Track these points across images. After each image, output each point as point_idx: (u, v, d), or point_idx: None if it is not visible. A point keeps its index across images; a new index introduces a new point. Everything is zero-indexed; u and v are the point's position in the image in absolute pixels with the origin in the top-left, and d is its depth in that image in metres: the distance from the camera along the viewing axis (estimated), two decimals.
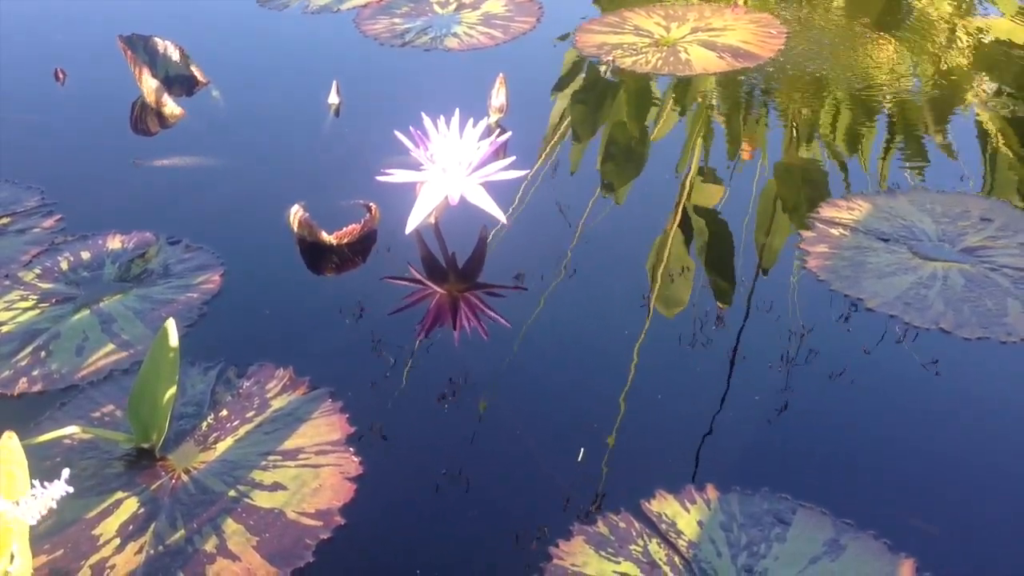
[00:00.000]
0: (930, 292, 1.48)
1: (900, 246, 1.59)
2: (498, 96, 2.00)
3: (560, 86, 2.25)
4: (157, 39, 2.25)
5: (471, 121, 1.60)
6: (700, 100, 2.19)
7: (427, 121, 1.59)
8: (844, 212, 1.69)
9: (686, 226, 1.72)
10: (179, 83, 2.25)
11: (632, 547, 1.09)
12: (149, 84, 2.10)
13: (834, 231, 1.64)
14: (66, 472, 0.94)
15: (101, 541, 1.12)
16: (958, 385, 1.35)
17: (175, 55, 2.26)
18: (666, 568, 1.07)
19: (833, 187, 1.82)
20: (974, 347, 1.38)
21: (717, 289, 1.56)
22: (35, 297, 1.52)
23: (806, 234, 1.64)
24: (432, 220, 1.68)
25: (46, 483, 0.94)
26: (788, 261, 1.60)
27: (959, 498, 1.18)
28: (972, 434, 1.27)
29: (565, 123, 2.09)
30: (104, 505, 1.16)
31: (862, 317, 1.45)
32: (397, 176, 1.60)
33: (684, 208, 1.77)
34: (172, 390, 1.20)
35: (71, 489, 0.94)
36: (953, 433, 1.27)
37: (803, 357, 1.39)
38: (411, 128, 1.58)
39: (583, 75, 2.29)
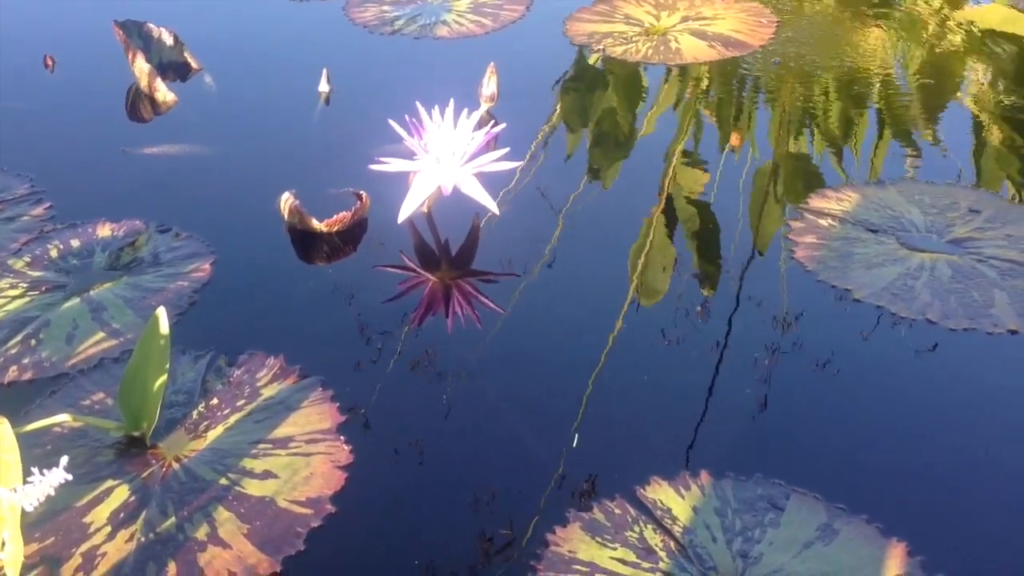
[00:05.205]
0: (917, 283, 1.49)
1: (888, 237, 1.60)
2: (489, 85, 2.00)
3: (550, 75, 2.24)
4: (151, 25, 2.24)
5: (465, 111, 1.60)
6: (690, 89, 2.19)
7: (421, 110, 1.59)
8: (833, 203, 1.69)
9: (673, 214, 1.73)
10: (172, 69, 2.24)
11: (628, 533, 1.10)
12: (142, 67, 2.09)
13: (823, 222, 1.64)
14: (64, 459, 0.93)
15: (92, 529, 1.11)
16: (945, 374, 1.36)
17: (169, 41, 2.25)
18: (662, 554, 1.07)
19: (822, 177, 1.83)
20: (960, 338, 1.39)
21: (704, 278, 1.57)
22: (25, 285, 1.51)
23: (794, 224, 1.64)
24: (425, 209, 1.67)
25: (37, 470, 0.94)
26: (776, 251, 1.61)
27: (949, 483, 1.19)
28: (959, 421, 1.28)
29: (556, 112, 2.09)
30: (95, 493, 1.16)
31: (849, 307, 1.45)
32: (391, 165, 1.60)
33: (671, 196, 1.78)
34: (162, 378, 1.20)
35: (70, 476, 0.93)
36: (941, 420, 1.29)
37: (792, 346, 1.39)
38: (406, 117, 1.58)
39: (573, 64, 2.29)
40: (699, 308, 1.48)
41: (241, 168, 1.89)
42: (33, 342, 1.40)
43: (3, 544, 0.97)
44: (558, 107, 2.11)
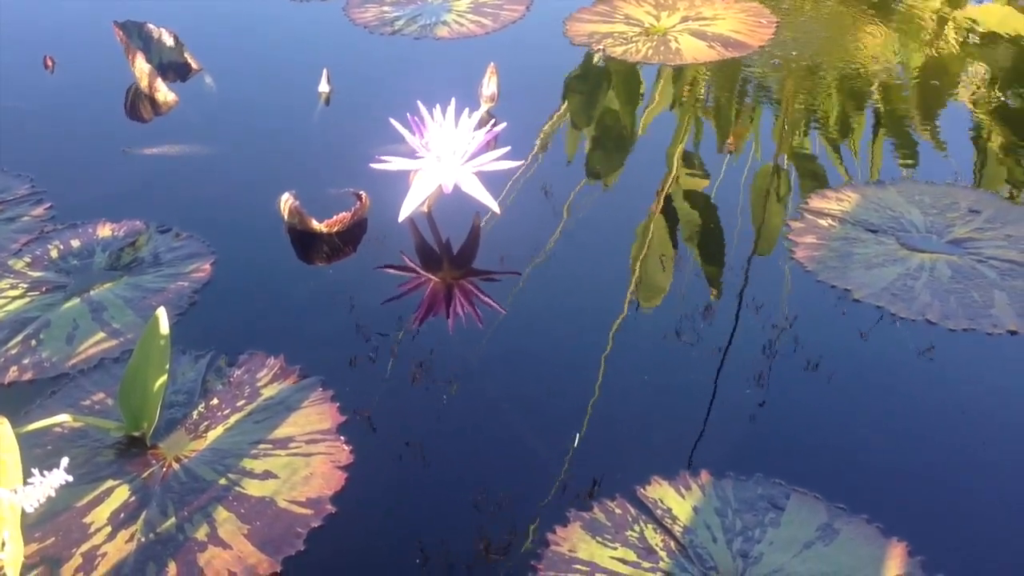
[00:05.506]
0: (917, 283, 1.49)
1: (888, 237, 1.60)
2: (489, 85, 2.00)
3: (550, 75, 2.24)
4: (151, 26, 2.24)
5: (467, 110, 1.60)
6: (690, 89, 2.19)
7: (422, 109, 1.59)
8: (833, 203, 1.69)
9: (674, 214, 1.73)
10: (172, 70, 2.24)
11: (628, 533, 1.10)
12: (142, 68, 2.09)
13: (823, 222, 1.64)
14: (65, 460, 0.93)
15: (92, 529, 1.11)
16: (944, 375, 1.36)
17: (169, 41, 2.25)
18: (662, 553, 1.07)
19: (822, 177, 1.83)
20: (960, 338, 1.39)
21: (705, 278, 1.57)
22: (25, 285, 1.51)
23: (794, 224, 1.64)
24: (425, 209, 1.68)
25: (37, 470, 0.94)
26: (776, 251, 1.61)
27: (949, 483, 1.20)
28: (959, 421, 1.28)
29: (556, 111, 2.09)
30: (95, 493, 1.16)
31: (849, 308, 1.45)
32: (392, 164, 1.60)
33: (671, 196, 1.78)
34: (163, 378, 1.20)
35: (70, 478, 0.93)
36: (941, 420, 1.29)
37: (792, 346, 1.39)
38: (408, 115, 1.58)
39: (574, 64, 2.29)
40: (699, 308, 1.48)
41: (241, 168, 1.89)
42: (33, 342, 1.40)
43: (3, 544, 0.97)
44: (558, 107, 2.11)
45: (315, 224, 1.62)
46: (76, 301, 1.48)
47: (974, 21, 2.48)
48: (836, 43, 2.37)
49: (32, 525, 1.10)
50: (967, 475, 1.20)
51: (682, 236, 1.68)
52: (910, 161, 1.88)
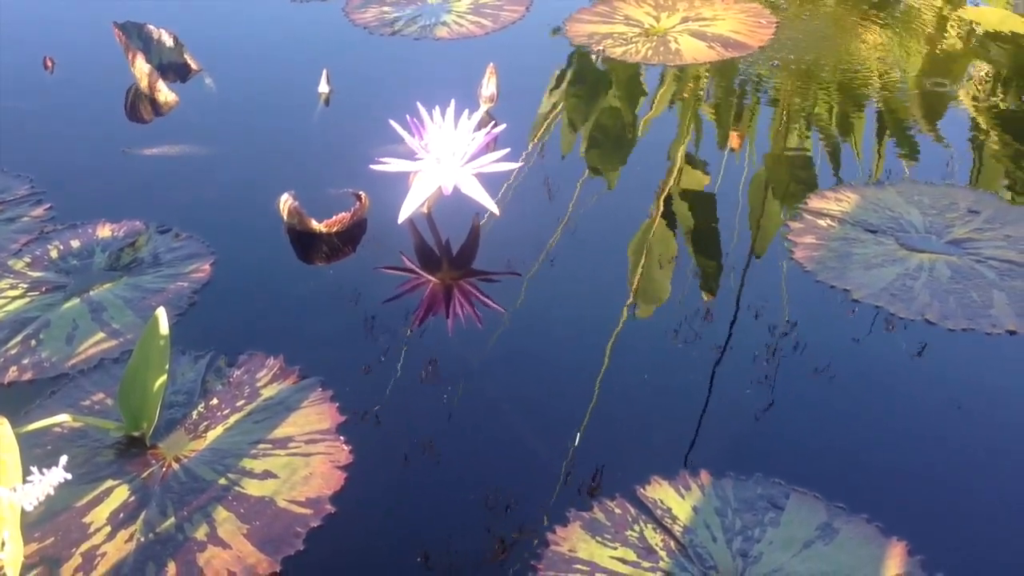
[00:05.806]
0: (916, 284, 1.49)
1: (887, 237, 1.60)
2: (488, 86, 2.00)
3: (550, 76, 2.24)
4: (151, 26, 2.25)
5: (466, 112, 1.60)
6: (689, 90, 2.19)
7: (422, 110, 1.59)
8: (832, 203, 1.69)
9: (673, 215, 1.73)
10: (172, 71, 2.24)
11: (628, 533, 1.10)
12: (142, 68, 2.09)
13: (822, 222, 1.64)
14: (64, 458, 0.93)
15: (92, 529, 1.11)
16: (944, 375, 1.36)
17: (169, 42, 2.26)
18: (662, 553, 1.07)
19: (821, 178, 1.83)
20: (959, 338, 1.39)
21: (704, 278, 1.57)
22: (25, 285, 1.51)
23: (793, 225, 1.64)
24: (425, 210, 1.68)
25: (36, 470, 0.94)
26: (776, 251, 1.61)
27: (949, 483, 1.20)
28: (959, 421, 1.28)
29: (555, 112, 2.09)
30: (95, 493, 1.16)
31: (848, 308, 1.45)
32: (391, 165, 1.60)
33: (671, 196, 1.78)
34: (162, 379, 1.20)
35: (69, 475, 0.93)
36: (941, 420, 1.29)
37: (791, 346, 1.39)
38: (407, 116, 1.58)
39: (573, 64, 2.29)
40: (698, 308, 1.48)
41: (241, 169, 1.89)
42: (33, 342, 1.40)
43: (3, 544, 0.97)
44: (558, 108, 2.11)
45: (314, 224, 1.62)
46: (76, 301, 1.48)
47: (974, 21, 2.48)
48: (836, 43, 2.37)
49: (32, 525, 1.10)
50: (967, 475, 1.20)
51: (682, 236, 1.68)
52: (909, 161, 1.88)
